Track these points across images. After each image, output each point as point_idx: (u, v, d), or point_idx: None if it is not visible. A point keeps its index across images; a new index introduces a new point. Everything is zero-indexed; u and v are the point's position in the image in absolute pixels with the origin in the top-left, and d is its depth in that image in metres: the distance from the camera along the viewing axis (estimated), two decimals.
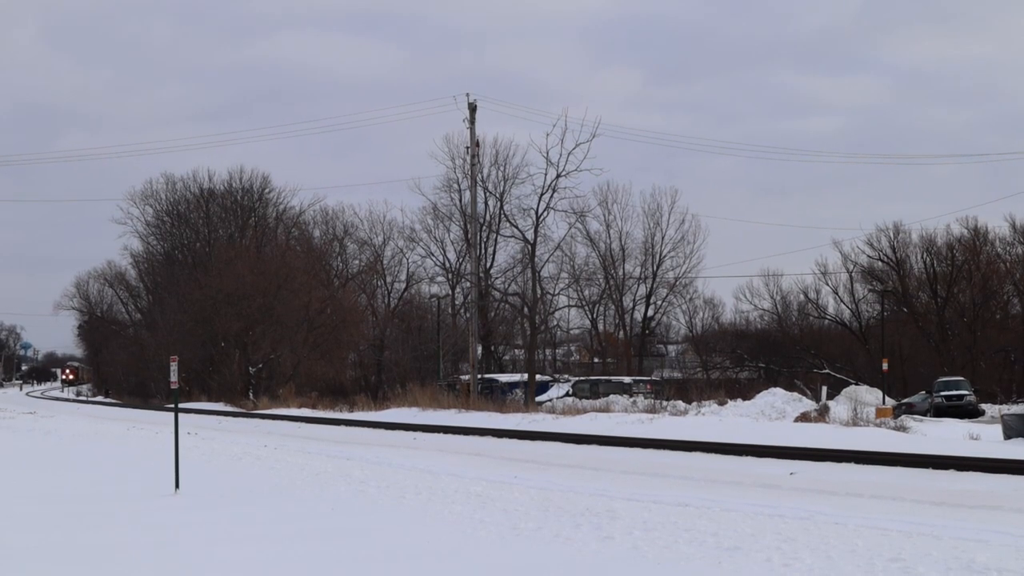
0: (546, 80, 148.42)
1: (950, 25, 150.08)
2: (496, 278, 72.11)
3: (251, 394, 63.96)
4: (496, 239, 69.85)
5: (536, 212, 53.97)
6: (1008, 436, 24.92)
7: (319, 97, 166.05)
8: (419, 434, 31.33)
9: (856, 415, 29.98)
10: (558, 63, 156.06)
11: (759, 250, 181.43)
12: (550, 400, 48.94)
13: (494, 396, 49.57)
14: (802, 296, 79.55)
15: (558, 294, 75.45)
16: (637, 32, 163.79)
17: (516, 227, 60.68)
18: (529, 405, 43.73)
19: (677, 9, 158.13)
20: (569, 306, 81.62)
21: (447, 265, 76.60)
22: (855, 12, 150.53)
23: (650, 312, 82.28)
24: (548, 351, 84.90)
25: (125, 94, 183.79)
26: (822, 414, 33.26)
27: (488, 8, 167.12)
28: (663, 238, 79.51)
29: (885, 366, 54.30)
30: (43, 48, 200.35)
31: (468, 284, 65.45)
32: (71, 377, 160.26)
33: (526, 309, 59.07)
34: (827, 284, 76.63)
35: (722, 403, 41.01)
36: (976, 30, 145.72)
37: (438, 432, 31.84)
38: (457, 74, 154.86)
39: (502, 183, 67.60)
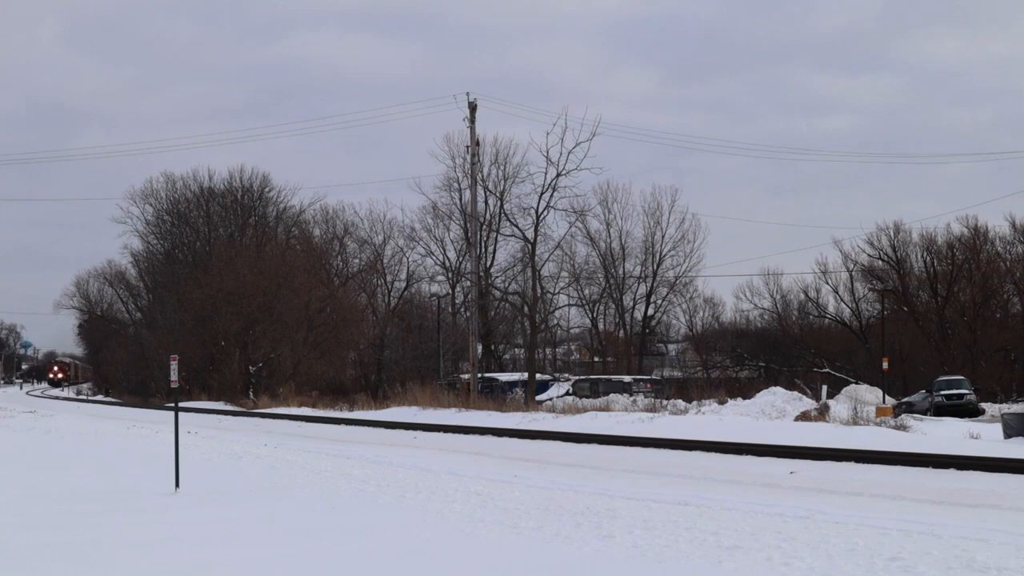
0: (562, 80, 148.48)
1: (969, 25, 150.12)
2: (496, 277, 72.15)
3: (251, 393, 63.97)
4: (496, 238, 69.91)
5: (536, 211, 54.02)
6: (1008, 435, 24.89)
7: (335, 97, 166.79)
8: (419, 433, 31.34)
9: (856, 414, 29.98)
10: (575, 62, 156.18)
11: (759, 249, 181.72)
12: (550, 399, 48.95)
13: (494, 395, 49.56)
14: (802, 295, 79.63)
15: (558, 293, 75.53)
16: (656, 31, 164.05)
17: (516, 226, 60.76)
18: (529, 404, 43.72)
19: (698, 8, 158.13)
20: (569, 305, 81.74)
21: (447, 264, 76.71)
22: (877, 12, 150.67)
23: (650, 311, 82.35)
24: (548, 350, 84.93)
25: (143, 93, 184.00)
26: (822, 413, 33.28)
27: (506, 7, 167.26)
28: (663, 237, 79.62)
29: (885, 365, 54.27)
30: (63, 47, 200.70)
31: (468, 283, 65.46)
32: (60, 376, 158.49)
33: (526, 308, 59.05)
34: (827, 283, 76.72)
35: (722, 402, 41.07)
36: (996, 29, 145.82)
37: (438, 431, 31.85)
38: (473, 73, 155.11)
39: (502, 182, 67.69)
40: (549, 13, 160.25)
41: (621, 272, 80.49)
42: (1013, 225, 66.62)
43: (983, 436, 24.64)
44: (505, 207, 65.57)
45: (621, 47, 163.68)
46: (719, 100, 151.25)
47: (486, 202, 66.51)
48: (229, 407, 59.65)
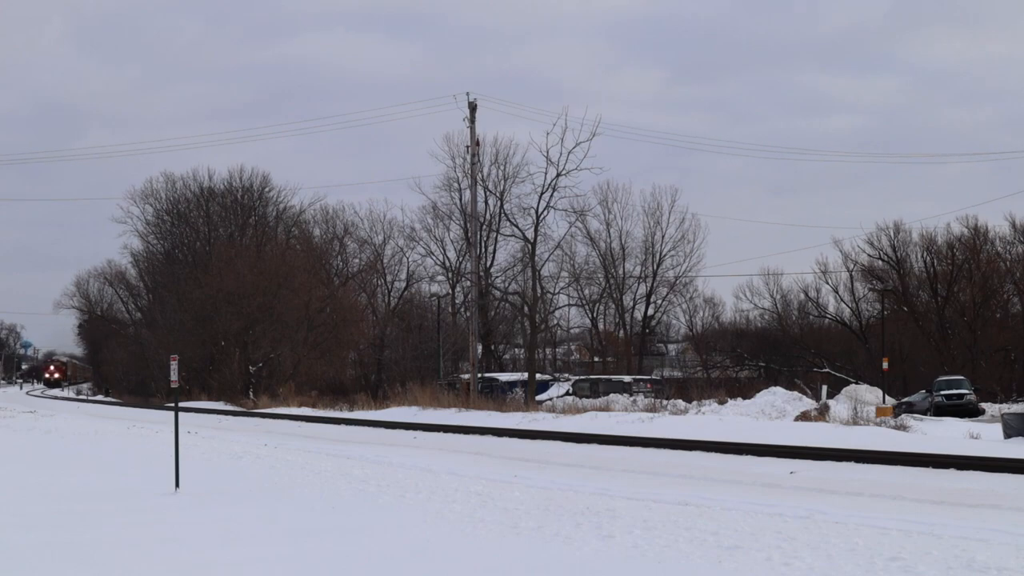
0: (563, 80, 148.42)
1: (969, 25, 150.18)
2: (496, 277, 72.16)
3: (251, 393, 63.97)
4: (496, 238, 69.94)
5: (536, 211, 54.03)
6: (1008, 435, 24.89)
7: (335, 97, 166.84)
8: (419, 433, 31.35)
9: (856, 414, 29.98)
10: (576, 63, 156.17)
11: (759, 249, 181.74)
12: (550, 399, 48.95)
13: (494, 395, 49.56)
14: (802, 295, 79.67)
15: (558, 293, 75.56)
16: (657, 31, 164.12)
17: (516, 226, 60.77)
18: (529, 404, 43.72)
19: (698, 8, 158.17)
20: (569, 305, 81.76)
21: (447, 264, 76.74)
22: (878, 13, 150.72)
23: (650, 311, 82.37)
24: (548, 350, 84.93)
25: (144, 93, 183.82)
26: (822, 413, 33.28)
27: (506, 7, 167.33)
28: (663, 237, 79.67)
29: (885, 365, 54.27)
30: (64, 47, 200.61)
31: (468, 283, 65.46)
32: (57, 376, 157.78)
33: (526, 308, 59.05)
34: (827, 283, 76.75)
35: (722, 402, 41.08)
36: (996, 29, 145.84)
37: (438, 431, 31.85)
38: (474, 74, 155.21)
39: (502, 182, 67.73)
40: (549, 13, 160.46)
41: (621, 272, 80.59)
42: (1013, 225, 66.72)
43: (983, 436, 24.64)
44: (505, 207, 65.68)
45: (622, 47, 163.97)
46: (720, 100, 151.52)
47: (486, 202, 66.59)
48: (229, 407, 59.65)
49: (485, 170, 64.46)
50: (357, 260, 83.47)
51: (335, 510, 13.06)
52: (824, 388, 45.50)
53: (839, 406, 37.32)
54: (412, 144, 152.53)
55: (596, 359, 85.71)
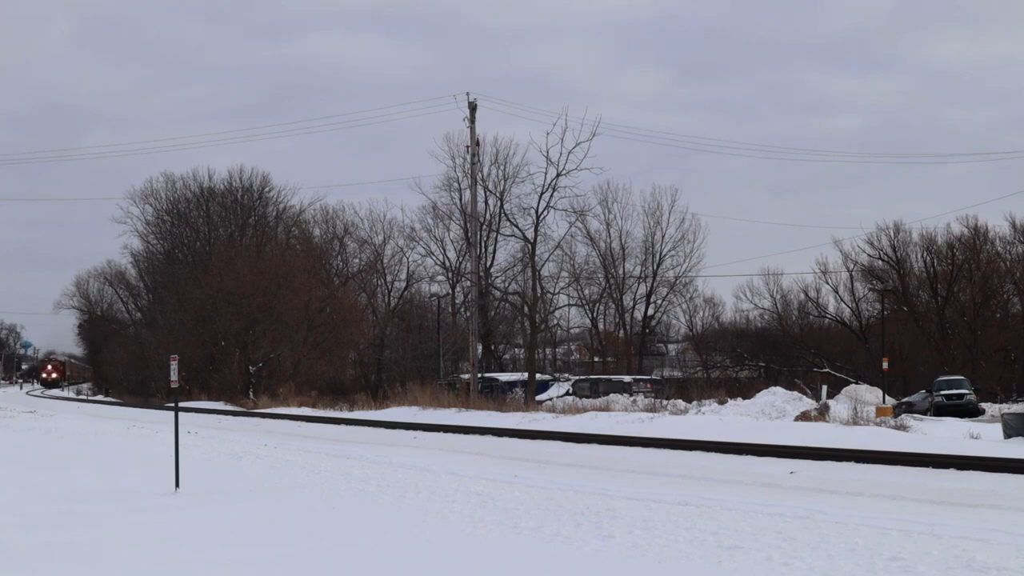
0: (566, 81, 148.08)
1: (970, 26, 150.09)
2: (496, 277, 72.16)
3: (251, 393, 63.96)
4: (496, 238, 69.95)
5: (536, 211, 54.02)
6: (1008, 435, 24.89)
7: (336, 97, 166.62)
8: (419, 433, 31.35)
9: (856, 414, 29.98)
10: (578, 63, 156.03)
11: (760, 249, 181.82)
12: (550, 399, 48.94)
13: (494, 395, 49.56)
14: (802, 295, 79.66)
15: (558, 293, 75.56)
16: (659, 32, 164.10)
17: (516, 226, 60.77)
18: (529, 404, 43.71)
19: (698, 8, 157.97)
20: (569, 305, 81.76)
21: (447, 264, 76.75)
22: (880, 13, 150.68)
23: (650, 311, 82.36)
24: (548, 350, 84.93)
25: (145, 94, 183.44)
26: (822, 413, 33.28)
27: (508, 8, 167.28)
28: (663, 237, 79.66)
29: (885, 365, 54.26)
30: (67, 47, 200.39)
31: (468, 283, 65.46)
32: (55, 375, 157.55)
33: (526, 308, 59.05)
34: (827, 283, 76.75)
35: (722, 402, 41.08)
36: (997, 30, 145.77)
37: (438, 431, 31.85)
38: (476, 74, 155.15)
39: (502, 182, 67.72)
40: (550, 13, 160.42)
41: (621, 272, 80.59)
42: (1013, 225, 66.71)
43: (983, 436, 24.64)
44: (505, 207, 65.67)
45: (623, 47, 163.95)
46: (720, 100, 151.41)
47: (486, 202, 66.59)
48: (229, 407, 59.64)
49: (485, 170, 64.54)
50: (357, 260, 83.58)
51: (335, 510, 13.06)
52: (824, 388, 45.50)
53: (839, 406, 37.32)
54: (412, 144, 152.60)
55: (596, 359, 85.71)
